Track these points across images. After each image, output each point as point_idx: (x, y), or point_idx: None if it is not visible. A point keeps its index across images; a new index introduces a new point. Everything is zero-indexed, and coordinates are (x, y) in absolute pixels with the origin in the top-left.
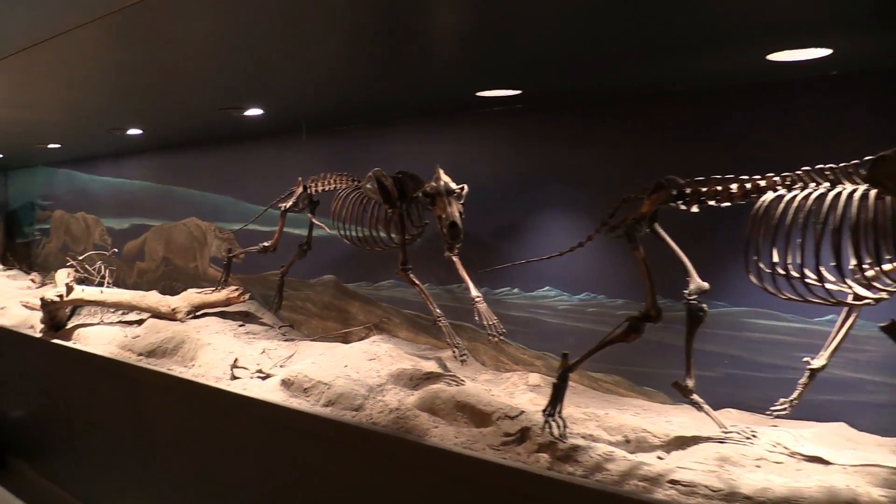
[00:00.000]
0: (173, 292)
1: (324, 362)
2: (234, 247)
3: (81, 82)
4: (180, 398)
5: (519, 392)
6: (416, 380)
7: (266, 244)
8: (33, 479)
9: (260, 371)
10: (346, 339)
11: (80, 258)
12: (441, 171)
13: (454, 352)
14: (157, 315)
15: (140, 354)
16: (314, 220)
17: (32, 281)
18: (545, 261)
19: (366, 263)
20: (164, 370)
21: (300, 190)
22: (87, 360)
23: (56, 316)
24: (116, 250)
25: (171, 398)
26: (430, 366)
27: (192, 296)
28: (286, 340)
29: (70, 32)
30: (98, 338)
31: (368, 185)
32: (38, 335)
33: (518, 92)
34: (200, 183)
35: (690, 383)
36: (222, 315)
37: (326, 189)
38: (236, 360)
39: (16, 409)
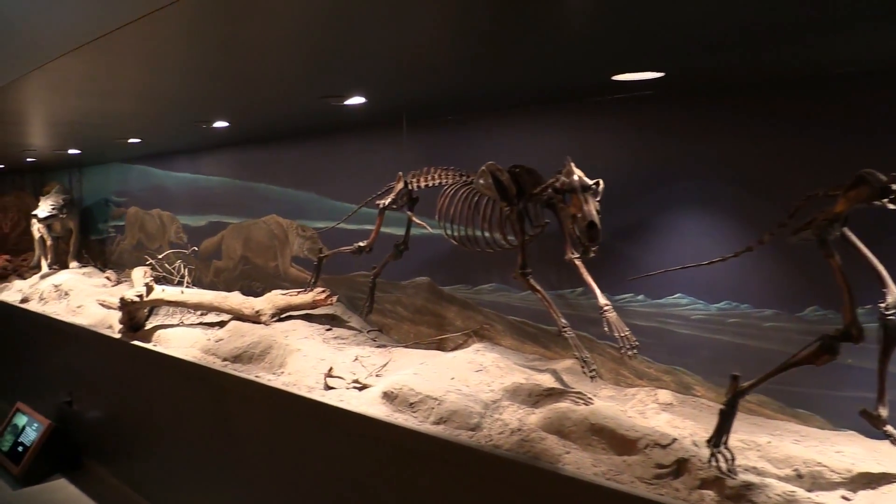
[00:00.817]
0: (252, 292)
1: (427, 373)
2: (318, 246)
3: (167, 70)
4: (269, 408)
5: (650, 411)
6: (536, 396)
7: (362, 244)
8: (108, 482)
9: (356, 381)
10: (441, 347)
11: (160, 257)
12: (573, 165)
13: (583, 367)
14: (240, 317)
15: (225, 360)
16: (415, 219)
17: (108, 279)
18: (672, 265)
19: (465, 265)
20: (251, 377)
21: (400, 186)
22: (169, 363)
23: (135, 316)
24: (196, 248)
25: (259, 407)
26: (546, 379)
27: (276, 297)
28: (378, 347)
29: (156, 13)
30: (179, 340)
31: (482, 181)
32: (117, 336)
33: (660, 75)
34: (281, 179)
35: (884, 412)
36: (307, 318)
37: (430, 185)
38: (331, 368)
39: (92, 409)
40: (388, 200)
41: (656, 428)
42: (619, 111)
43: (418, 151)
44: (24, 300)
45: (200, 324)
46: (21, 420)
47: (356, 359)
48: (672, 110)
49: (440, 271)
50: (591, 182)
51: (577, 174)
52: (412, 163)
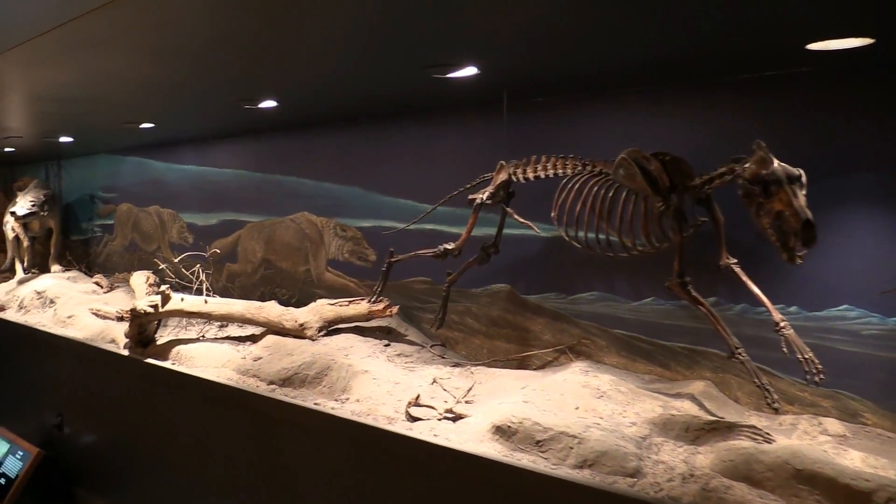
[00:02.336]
0: (280, 301)
1: (540, 401)
2: (362, 248)
3: (203, 38)
4: (335, 443)
5: (827, 446)
6: (695, 431)
7: (449, 246)
8: None
9: (450, 411)
10: (523, 365)
11: (176, 260)
12: (766, 150)
13: (765, 396)
14: (280, 331)
15: (271, 383)
16: (517, 217)
17: (97, 284)
18: (836, 272)
19: (556, 270)
20: (309, 405)
21: (503, 177)
22: (198, 386)
23: (146, 329)
24: (217, 251)
25: (321, 442)
26: (688, 407)
27: (323, 308)
28: (453, 366)
29: None
30: (205, 358)
31: (621, 171)
32: (124, 352)
33: (870, 41)
34: (315, 171)
35: None
36: (359, 331)
37: (542, 176)
38: (418, 396)
39: (87, 434)
40: (485, 195)
41: (879, 472)
42: (767, 90)
43: (504, 138)
44: (0, 308)
45: (227, 338)
46: (1, 446)
47: (434, 381)
48: (831, 90)
49: (523, 277)
50: (796, 171)
51: (776, 162)
52: (489, 151)
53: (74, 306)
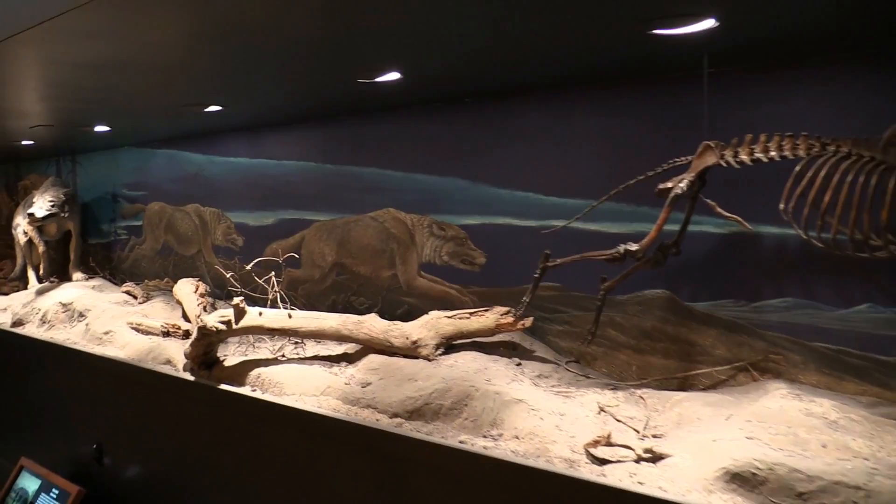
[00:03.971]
0: (354, 311)
1: (766, 436)
2: (466, 249)
3: None
4: (488, 491)
5: None
6: None
7: (631, 247)
8: None
9: (649, 450)
10: (684, 385)
11: (248, 267)
12: None
13: None
14: (387, 350)
15: (395, 415)
16: (721, 211)
17: (128, 294)
18: None
19: (736, 272)
20: (453, 444)
21: (710, 161)
22: (298, 419)
23: (213, 349)
24: (296, 255)
25: (469, 491)
26: None
27: (439, 322)
28: (612, 389)
29: None
30: (297, 383)
31: None
32: (185, 375)
33: None
34: (403, 160)
35: None
36: (479, 347)
37: (766, 160)
38: (609, 434)
39: (132, 467)
40: (683, 182)
41: None
42: None
43: (705, 115)
44: (18, 323)
45: (315, 358)
46: (30, 482)
47: (601, 410)
48: None
49: (688, 282)
50: None
51: None
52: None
53: (109, 320)
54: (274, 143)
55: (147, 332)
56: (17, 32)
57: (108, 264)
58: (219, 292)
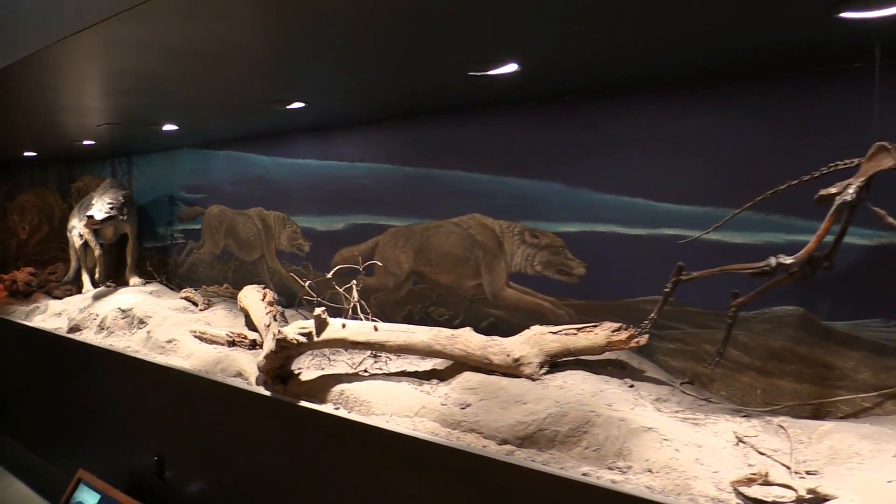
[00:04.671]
0: (433, 322)
1: None
2: (563, 258)
3: None
4: None
5: None
6: None
7: (784, 260)
8: None
9: (813, 491)
10: (820, 414)
11: (329, 275)
12: None
13: None
14: (484, 367)
15: (504, 441)
16: (892, 220)
17: (188, 300)
18: None
19: (885, 288)
20: (576, 476)
21: (887, 163)
22: (390, 442)
23: (290, 362)
24: (379, 262)
25: None
26: None
27: (543, 337)
28: (743, 415)
29: None
30: (386, 402)
31: None
32: (260, 390)
33: None
34: (492, 163)
35: None
36: (585, 366)
37: None
38: (766, 472)
39: (196, 482)
40: (851, 189)
41: None
42: None
43: (876, 114)
44: (75, 329)
45: (400, 374)
46: (88, 496)
47: (738, 441)
48: None
49: (826, 298)
50: None
51: None
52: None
53: (171, 328)
54: (345, 145)
55: (211, 342)
56: (111, 16)
57: (163, 269)
58: (283, 300)
